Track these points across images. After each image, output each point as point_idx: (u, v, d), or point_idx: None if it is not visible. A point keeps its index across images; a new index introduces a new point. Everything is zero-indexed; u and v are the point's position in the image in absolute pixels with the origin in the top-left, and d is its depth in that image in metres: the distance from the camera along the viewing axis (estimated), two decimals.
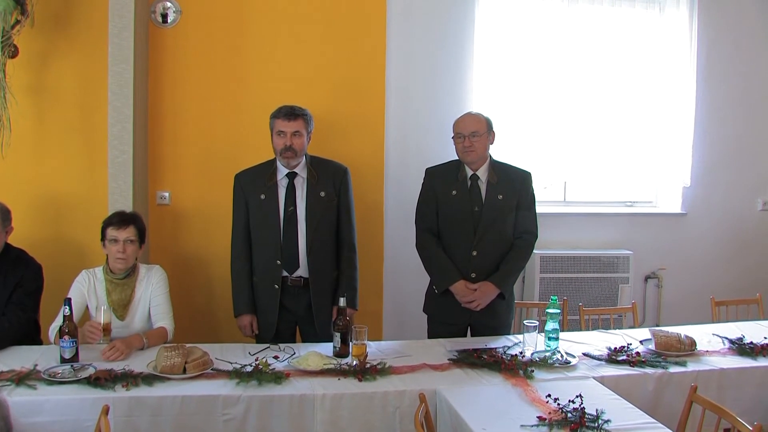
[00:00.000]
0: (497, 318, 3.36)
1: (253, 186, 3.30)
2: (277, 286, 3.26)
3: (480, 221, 3.27)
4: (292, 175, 3.28)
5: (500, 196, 3.29)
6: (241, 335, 3.35)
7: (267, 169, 3.32)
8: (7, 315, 3.01)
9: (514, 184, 3.34)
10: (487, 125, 3.31)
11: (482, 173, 3.32)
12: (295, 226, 3.26)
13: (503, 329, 3.38)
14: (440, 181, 3.37)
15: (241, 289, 3.32)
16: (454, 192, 3.31)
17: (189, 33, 3.97)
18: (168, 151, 4.01)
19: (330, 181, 3.32)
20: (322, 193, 3.29)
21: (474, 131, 3.24)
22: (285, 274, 3.28)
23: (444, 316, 3.38)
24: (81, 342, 2.80)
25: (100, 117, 3.73)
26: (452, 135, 3.32)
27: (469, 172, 3.32)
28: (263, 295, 3.30)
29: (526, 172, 3.42)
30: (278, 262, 3.26)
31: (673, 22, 4.66)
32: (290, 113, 3.22)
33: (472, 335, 3.38)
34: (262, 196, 3.27)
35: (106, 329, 2.95)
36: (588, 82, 4.58)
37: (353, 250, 3.40)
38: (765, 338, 3.15)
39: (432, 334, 3.41)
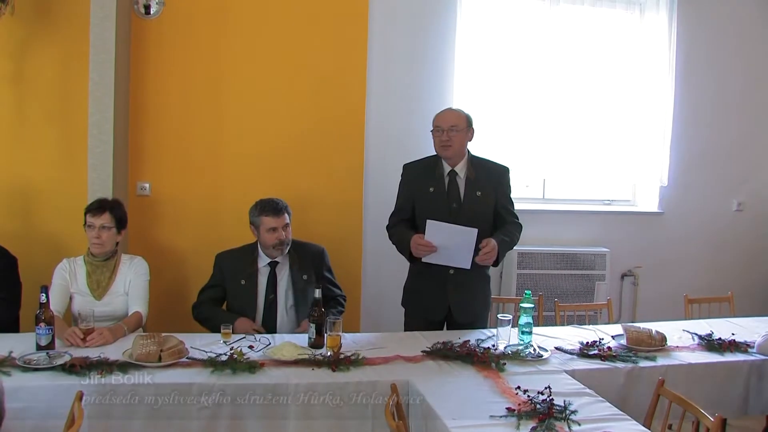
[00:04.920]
0: (473, 312, 3.38)
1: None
2: None
3: (458, 218, 3.24)
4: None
5: (479, 193, 3.30)
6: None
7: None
8: None
9: (492, 180, 3.35)
10: (467, 121, 3.32)
11: (460, 169, 3.32)
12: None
13: (479, 323, 3.40)
14: (417, 177, 3.37)
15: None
16: (431, 188, 3.31)
17: (171, 24, 3.97)
18: (149, 142, 4.01)
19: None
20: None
21: (453, 125, 3.25)
22: None
23: (421, 311, 3.40)
24: (58, 336, 2.76)
25: (80, 107, 3.72)
26: (431, 129, 3.33)
27: (447, 169, 3.32)
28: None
29: (504, 167, 3.43)
30: None
31: (652, 24, 4.72)
32: (277, 209, 3.34)
33: (448, 329, 3.41)
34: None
35: (85, 334, 2.84)
36: (568, 82, 4.63)
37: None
38: (733, 335, 3.21)
39: (408, 327, 3.43)
